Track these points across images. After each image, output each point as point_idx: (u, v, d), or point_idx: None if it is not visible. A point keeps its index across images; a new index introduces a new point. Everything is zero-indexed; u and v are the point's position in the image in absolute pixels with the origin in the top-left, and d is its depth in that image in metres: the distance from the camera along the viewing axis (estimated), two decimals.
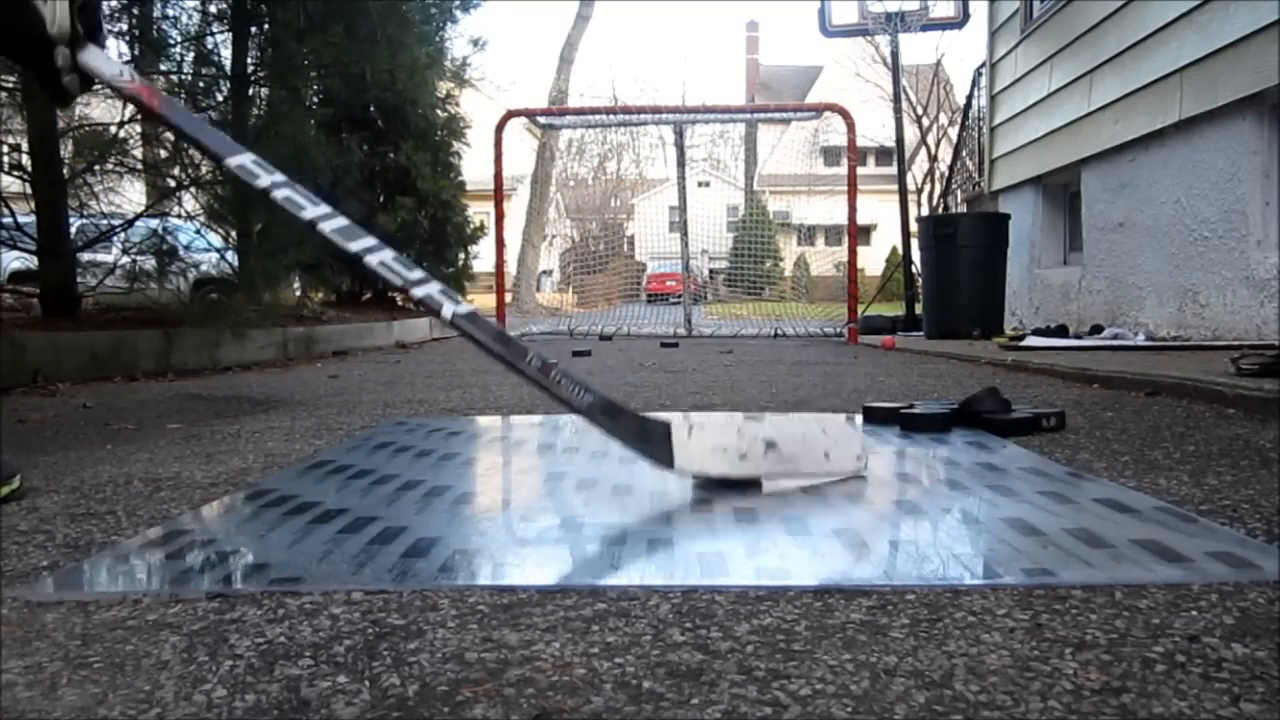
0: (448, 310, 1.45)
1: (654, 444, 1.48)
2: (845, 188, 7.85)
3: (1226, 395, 2.49)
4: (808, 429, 1.55)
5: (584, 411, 1.46)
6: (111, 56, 1.55)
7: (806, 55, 59.45)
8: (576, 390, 1.46)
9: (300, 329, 5.76)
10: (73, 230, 4.92)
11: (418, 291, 1.47)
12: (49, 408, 2.96)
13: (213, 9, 5.51)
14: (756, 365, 4.66)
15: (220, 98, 5.54)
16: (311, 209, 1.50)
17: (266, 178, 1.50)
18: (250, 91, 5.67)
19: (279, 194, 1.50)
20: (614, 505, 1.42)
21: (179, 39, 5.36)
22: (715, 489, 1.49)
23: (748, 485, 1.50)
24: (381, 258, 1.48)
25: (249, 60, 5.57)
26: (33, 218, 4.75)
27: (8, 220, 4.72)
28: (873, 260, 21.38)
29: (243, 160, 1.51)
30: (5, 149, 4.89)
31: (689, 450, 1.49)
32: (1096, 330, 5.92)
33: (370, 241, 1.49)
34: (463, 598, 0.98)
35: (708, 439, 1.51)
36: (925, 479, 1.65)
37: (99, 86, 1.58)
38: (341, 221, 1.50)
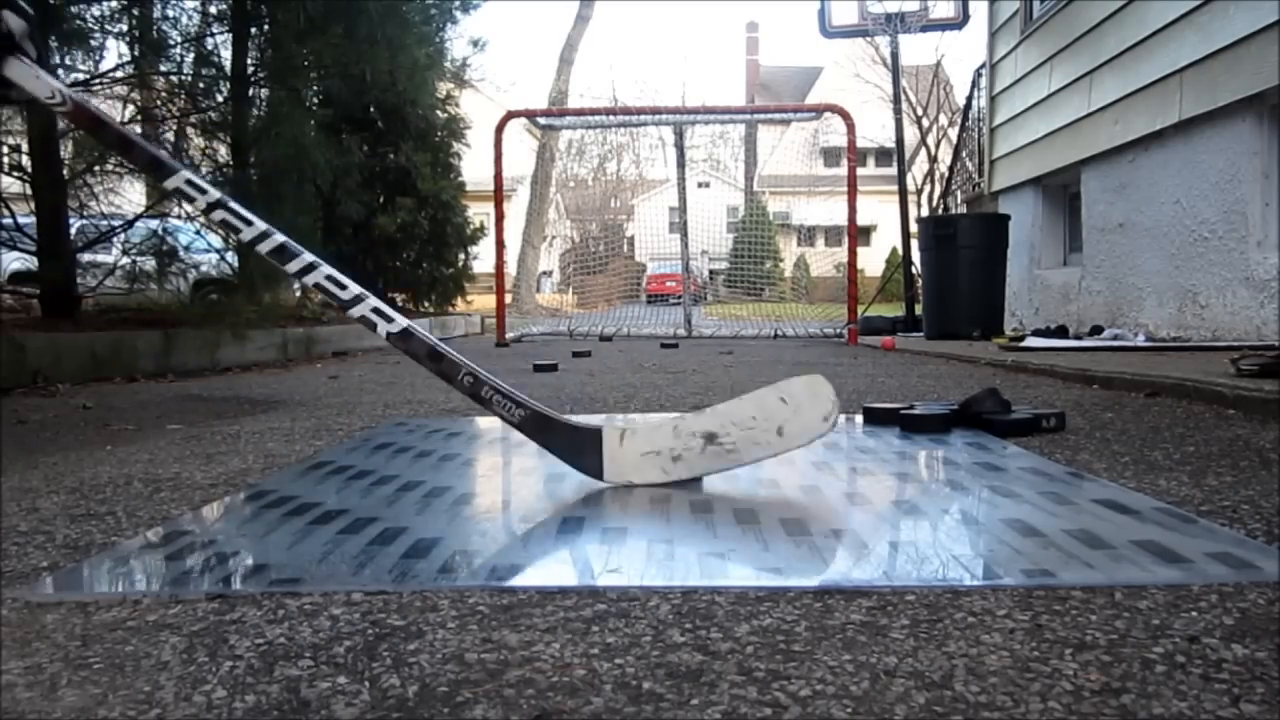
0: (381, 329, 1.55)
1: (585, 454, 1.49)
2: (845, 188, 7.85)
3: (1226, 396, 2.49)
4: (762, 406, 1.48)
5: (516, 426, 1.49)
6: (40, 73, 1.53)
7: (806, 56, 59.49)
8: (507, 406, 1.49)
9: (300, 330, 5.76)
10: (73, 231, 4.92)
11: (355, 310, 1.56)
12: (49, 408, 2.95)
13: (213, 10, 5.52)
14: (757, 366, 4.66)
15: (220, 98, 5.54)
16: (248, 230, 1.56)
17: (202, 198, 1.56)
18: (250, 92, 5.67)
19: (217, 215, 1.57)
20: (614, 505, 1.42)
21: (179, 39, 5.36)
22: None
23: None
24: (320, 274, 1.56)
25: (249, 61, 5.57)
26: (33, 218, 4.75)
27: (8, 220, 4.72)
28: (873, 261, 21.37)
29: (178, 182, 1.57)
30: (5, 149, 4.89)
31: (619, 459, 1.48)
32: (1096, 331, 5.92)
33: (308, 259, 1.57)
34: (462, 598, 0.98)
35: (639, 444, 1.49)
36: (925, 479, 1.65)
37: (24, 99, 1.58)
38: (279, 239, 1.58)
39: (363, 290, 1.54)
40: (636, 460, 1.48)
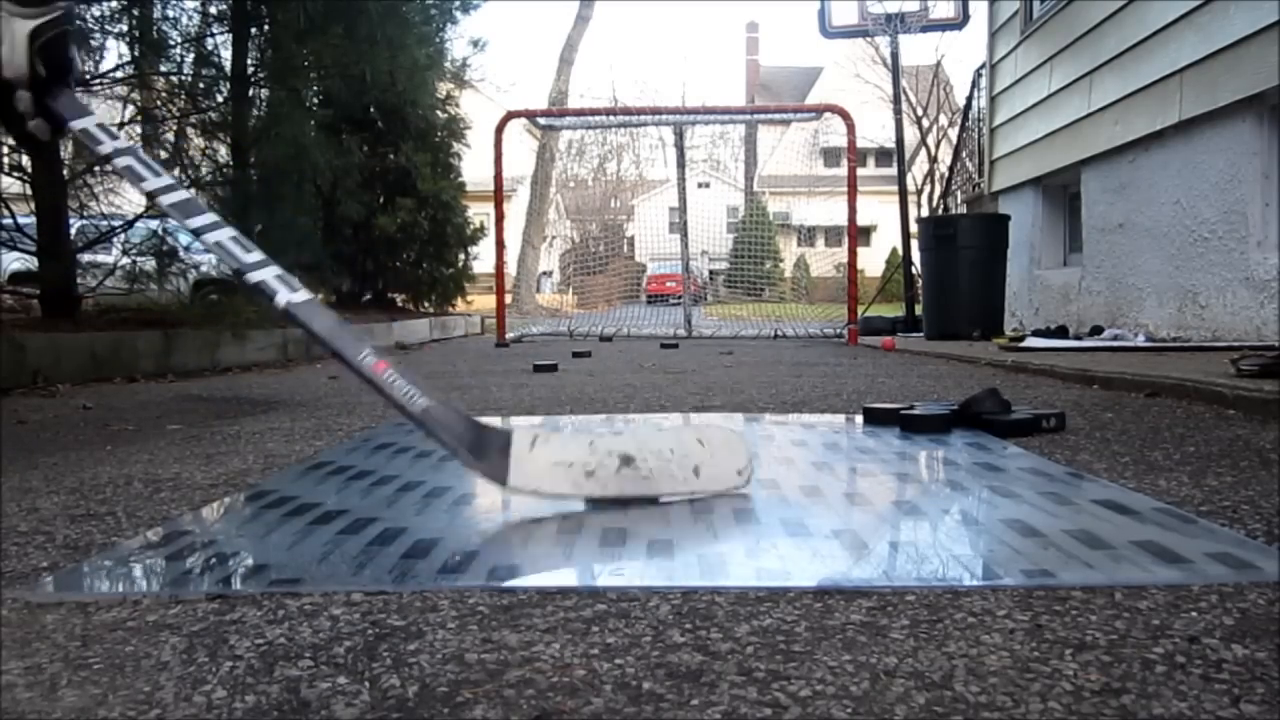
0: (282, 297, 1.38)
1: (489, 456, 1.33)
2: (845, 189, 7.85)
3: (1226, 396, 2.49)
4: (680, 441, 1.42)
5: (416, 417, 1.33)
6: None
7: (806, 56, 59.52)
8: (409, 394, 1.33)
9: (300, 330, 5.76)
10: (73, 231, 4.93)
11: (253, 276, 1.39)
12: (49, 408, 2.96)
13: (213, 10, 5.52)
14: (757, 366, 4.66)
15: (220, 98, 5.54)
16: (152, 180, 1.49)
17: (99, 148, 1.48)
18: (250, 92, 5.68)
19: (122, 162, 1.49)
20: (614, 506, 1.41)
21: (179, 40, 5.37)
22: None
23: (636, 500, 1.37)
24: (219, 237, 1.41)
25: (249, 61, 5.57)
26: (33, 218, 4.75)
27: (8, 221, 4.72)
28: (873, 261, 21.39)
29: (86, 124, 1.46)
30: (5, 149, 4.89)
31: (526, 465, 1.33)
32: (1096, 331, 5.92)
33: (212, 218, 1.44)
34: (462, 599, 0.98)
35: (551, 452, 1.35)
36: (925, 479, 1.65)
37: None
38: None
39: (266, 257, 1.44)
40: (547, 468, 1.34)
